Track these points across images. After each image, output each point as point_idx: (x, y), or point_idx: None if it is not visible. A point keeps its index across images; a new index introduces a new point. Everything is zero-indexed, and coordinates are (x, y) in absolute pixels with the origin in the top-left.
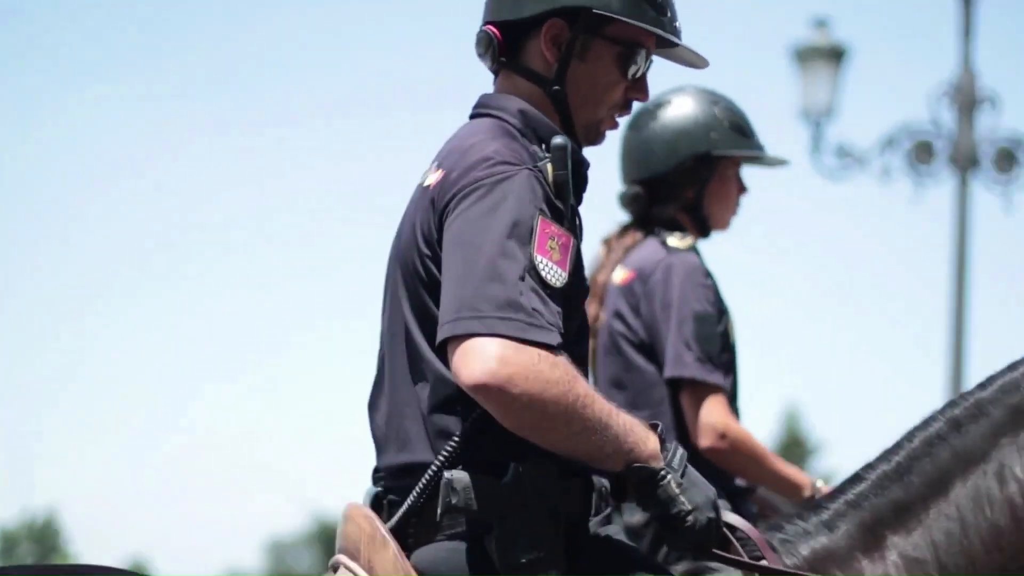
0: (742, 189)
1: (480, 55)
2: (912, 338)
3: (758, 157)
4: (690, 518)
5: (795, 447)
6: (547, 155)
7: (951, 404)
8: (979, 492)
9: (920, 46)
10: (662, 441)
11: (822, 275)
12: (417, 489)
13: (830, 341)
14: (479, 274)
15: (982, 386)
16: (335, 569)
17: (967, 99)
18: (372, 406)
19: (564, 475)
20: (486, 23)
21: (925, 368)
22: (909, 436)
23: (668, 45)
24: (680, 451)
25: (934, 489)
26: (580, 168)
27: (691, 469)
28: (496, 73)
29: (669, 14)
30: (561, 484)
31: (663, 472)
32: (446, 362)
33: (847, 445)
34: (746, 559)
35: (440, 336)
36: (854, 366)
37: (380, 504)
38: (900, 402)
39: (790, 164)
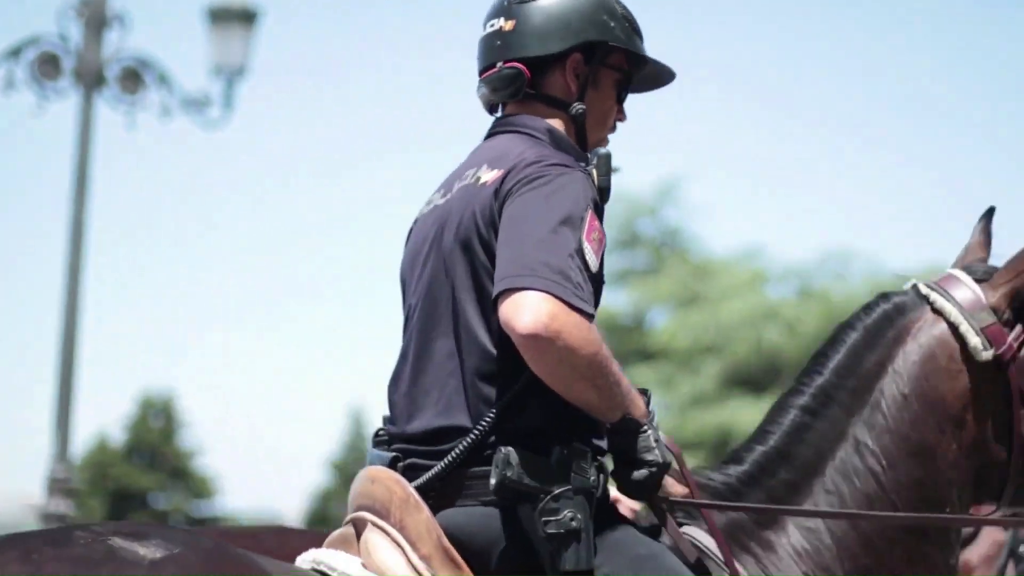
0: None
1: (496, 90)
2: (32, 247)
3: None
4: (656, 467)
5: None
6: (592, 163)
7: (795, 392)
8: (847, 467)
9: None
10: (648, 406)
11: None
12: (453, 454)
13: None
14: (537, 244)
15: (817, 372)
16: (357, 526)
17: (95, 16)
18: (397, 378)
19: (595, 458)
20: (505, 61)
21: (44, 280)
22: (771, 422)
23: (641, 67)
24: (656, 418)
25: (812, 468)
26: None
27: (661, 433)
28: (502, 104)
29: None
30: (594, 466)
31: (646, 427)
32: (493, 335)
33: None
34: (702, 501)
35: (498, 289)
36: None
37: (395, 468)
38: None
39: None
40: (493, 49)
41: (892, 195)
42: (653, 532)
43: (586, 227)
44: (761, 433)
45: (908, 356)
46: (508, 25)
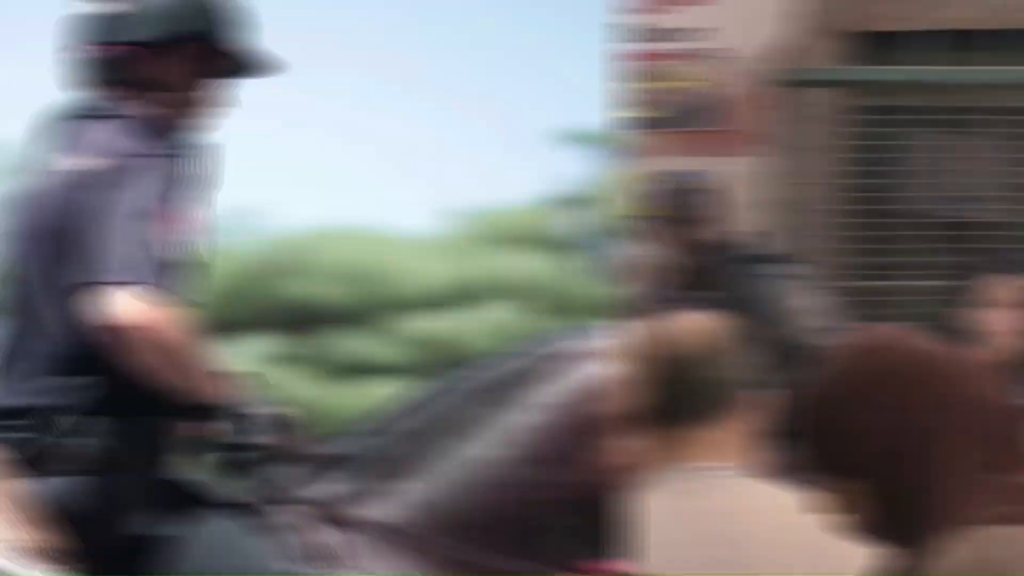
0: None
1: (97, 71)
2: None
3: None
4: (250, 450)
5: None
6: (173, 148)
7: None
8: (465, 454)
9: None
10: (246, 391)
11: None
12: (27, 430)
13: None
14: (108, 236)
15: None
16: None
17: None
18: None
19: (163, 429)
20: (110, 43)
21: None
22: (425, 400)
23: (238, 58)
24: (255, 403)
25: (439, 449)
26: (198, 155)
27: (255, 415)
28: (110, 85)
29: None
30: (163, 437)
31: (231, 410)
32: (69, 319)
33: None
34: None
35: (73, 282)
36: None
37: None
38: None
39: None
40: (99, 29)
41: (291, 150)
42: (243, 505)
43: (161, 216)
44: (406, 411)
45: None
46: (115, 7)
